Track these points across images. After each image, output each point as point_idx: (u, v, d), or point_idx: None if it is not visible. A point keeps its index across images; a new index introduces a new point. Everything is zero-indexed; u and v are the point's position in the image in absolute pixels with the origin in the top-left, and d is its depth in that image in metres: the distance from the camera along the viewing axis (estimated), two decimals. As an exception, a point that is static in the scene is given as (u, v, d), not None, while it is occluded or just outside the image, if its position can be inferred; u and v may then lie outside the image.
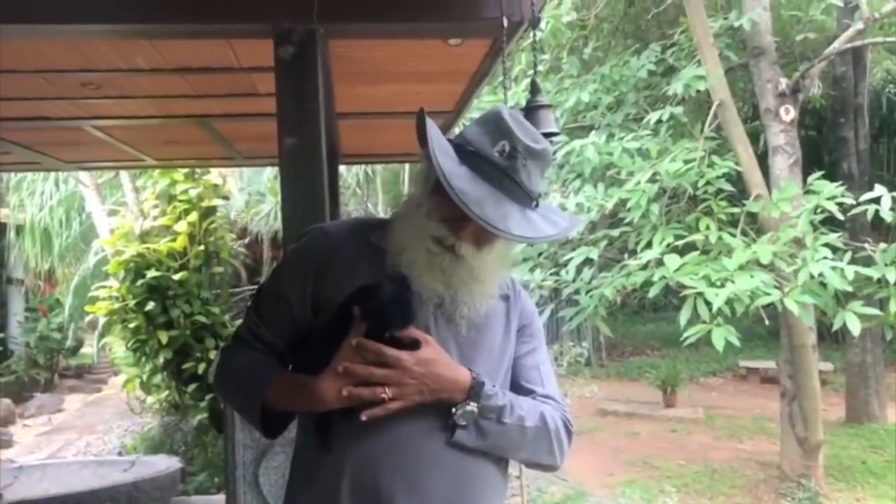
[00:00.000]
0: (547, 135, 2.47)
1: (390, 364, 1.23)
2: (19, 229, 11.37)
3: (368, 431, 1.26)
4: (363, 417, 1.22)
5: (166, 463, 4.81)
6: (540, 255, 6.30)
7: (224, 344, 1.49)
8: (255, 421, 1.37)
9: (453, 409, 1.28)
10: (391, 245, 1.33)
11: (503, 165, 1.27)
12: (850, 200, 5.22)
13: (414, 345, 1.26)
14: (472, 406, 1.28)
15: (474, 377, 1.30)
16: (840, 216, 5.24)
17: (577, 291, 5.89)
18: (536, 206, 1.33)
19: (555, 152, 6.32)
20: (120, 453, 7.47)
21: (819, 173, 5.59)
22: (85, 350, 12.98)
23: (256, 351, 1.41)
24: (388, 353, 1.23)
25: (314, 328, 1.36)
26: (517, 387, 1.41)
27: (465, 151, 1.29)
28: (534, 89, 2.52)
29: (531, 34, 2.68)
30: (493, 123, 1.31)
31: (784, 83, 6.61)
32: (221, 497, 3.40)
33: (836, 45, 6.70)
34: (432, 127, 1.28)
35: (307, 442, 1.37)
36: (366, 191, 12.15)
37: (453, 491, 1.30)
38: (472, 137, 1.30)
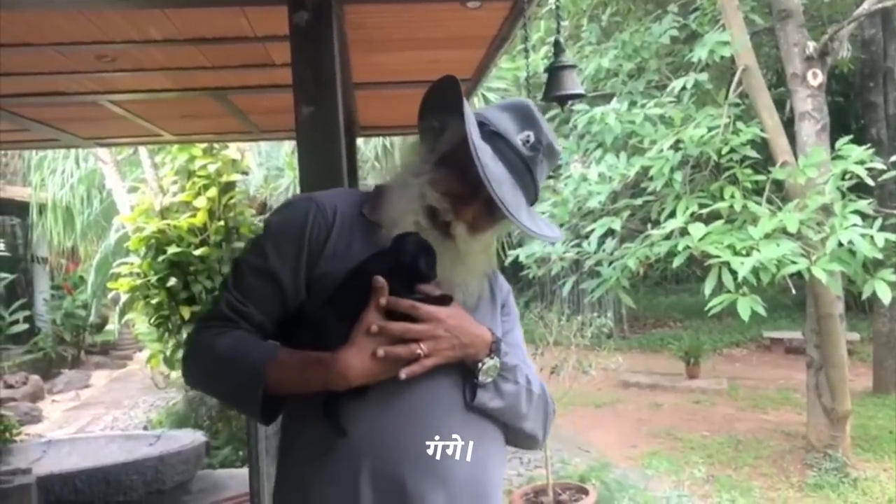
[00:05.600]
0: (573, 96, 2.40)
1: (423, 319, 1.20)
2: (42, 208, 11.47)
3: (381, 411, 1.21)
4: (403, 375, 1.17)
5: (191, 437, 4.85)
6: (561, 226, 6.21)
7: (195, 326, 1.34)
8: (254, 405, 1.23)
9: (479, 364, 1.25)
10: (384, 217, 1.28)
11: (525, 155, 1.27)
12: (880, 165, 5.09)
13: (443, 300, 1.24)
14: (496, 360, 1.26)
15: (493, 332, 1.29)
16: (870, 181, 5.11)
17: (598, 263, 5.83)
18: (531, 205, 1.32)
19: (576, 120, 6.22)
20: (146, 428, 7.59)
21: (847, 138, 5.44)
22: (109, 327, 13.15)
23: (244, 330, 1.28)
24: (422, 308, 1.20)
25: (305, 305, 1.27)
26: None
27: (487, 130, 1.26)
28: (557, 50, 2.45)
29: (552, -5, 2.60)
30: (521, 111, 1.30)
31: (812, 46, 6.42)
32: (245, 470, 3.42)
33: (866, 5, 6.50)
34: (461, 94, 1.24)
35: (306, 430, 1.27)
36: (385, 164, 12.09)
37: (473, 465, 1.25)
38: (496, 119, 1.28)
